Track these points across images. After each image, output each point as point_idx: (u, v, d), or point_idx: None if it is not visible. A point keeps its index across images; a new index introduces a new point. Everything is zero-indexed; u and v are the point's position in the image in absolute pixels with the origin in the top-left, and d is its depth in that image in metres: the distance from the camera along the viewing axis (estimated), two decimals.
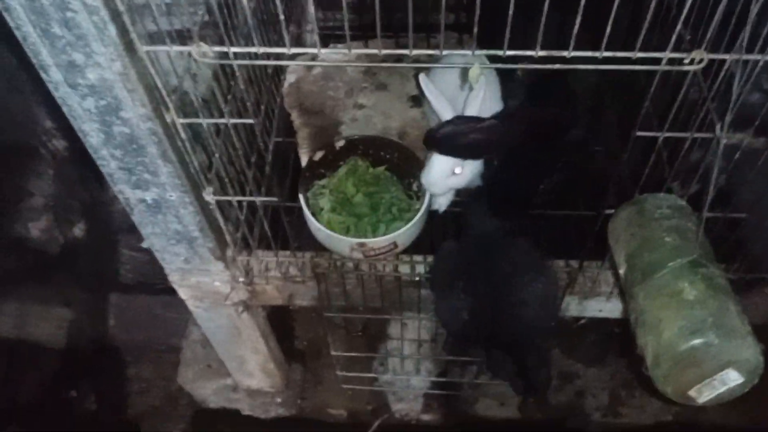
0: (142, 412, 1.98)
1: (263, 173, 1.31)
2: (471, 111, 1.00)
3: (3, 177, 2.35)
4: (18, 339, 2.04)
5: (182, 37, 0.83)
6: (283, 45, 0.75)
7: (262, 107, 1.34)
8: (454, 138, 0.97)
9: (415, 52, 0.75)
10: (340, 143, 1.24)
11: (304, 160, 1.31)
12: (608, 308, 1.21)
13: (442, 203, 1.23)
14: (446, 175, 1.08)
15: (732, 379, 0.72)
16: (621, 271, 0.86)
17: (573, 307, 1.22)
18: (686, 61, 0.73)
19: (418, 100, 1.38)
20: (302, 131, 1.37)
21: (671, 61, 0.74)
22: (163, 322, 1.98)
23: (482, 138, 0.97)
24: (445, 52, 0.76)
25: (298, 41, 1.72)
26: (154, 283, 2.07)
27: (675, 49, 0.73)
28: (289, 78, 1.45)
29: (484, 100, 0.97)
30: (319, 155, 1.23)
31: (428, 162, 1.09)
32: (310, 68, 1.46)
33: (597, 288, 1.16)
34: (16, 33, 0.77)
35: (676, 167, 0.89)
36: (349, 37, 1.50)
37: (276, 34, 1.34)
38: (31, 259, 2.24)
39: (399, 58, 0.86)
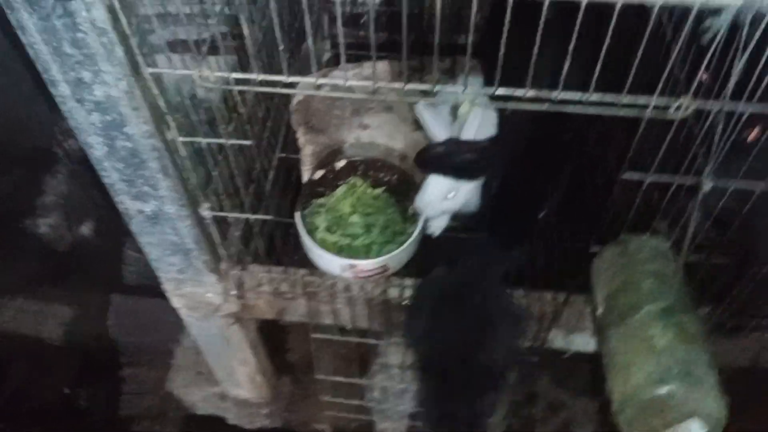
0: (133, 413, 2.00)
1: (264, 189, 1.34)
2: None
3: (18, 174, 2.41)
4: (17, 333, 2.08)
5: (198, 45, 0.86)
6: (295, 65, 0.78)
7: (269, 124, 1.37)
8: (444, 158, 0.99)
9: (408, 86, 0.78)
10: (340, 163, 1.27)
11: (305, 178, 1.34)
12: (595, 343, 1.22)
13: (437, 227, 1.25)
14: (440, 199, 1.10)
15: (695, 429, 0.73)
16: (598, 311, 0.88)
17: (559, 340, 1.24)
18: (672, 108, 0.75)
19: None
20: (306, 149, 1.39)
21: (660, 107, 0.76)
22: (160, 325, 2.00)
23: (473, 158, 0.98)
24: (437, 88, 0.79)
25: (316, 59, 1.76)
26: (156, 286, 2.10)
27: (665, 94, 0.75)
28: (298, 96, 1.48)
29: (479, 128, 0.99)
30: (318, 174, 1.26)
31: (423, 185, 1.12)
32: (318, 86, 1.49)
33: (581, 323, 1.18)
34: (29, 50, 0.80)
35: (663, 209, 0.91)
36: (364, 57, 1.54)
37: (289, 52, 1.38)
38: (38, 256, 2.28)
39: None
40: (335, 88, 0.80)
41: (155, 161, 0.95)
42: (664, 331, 0.78)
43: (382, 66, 1.47)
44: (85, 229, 2.35)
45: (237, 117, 1.08)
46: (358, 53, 1.59)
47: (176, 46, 0.94)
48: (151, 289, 2.11)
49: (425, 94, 0.84)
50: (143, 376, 2.08)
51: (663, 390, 0.73)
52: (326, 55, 1.78)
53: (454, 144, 1.00)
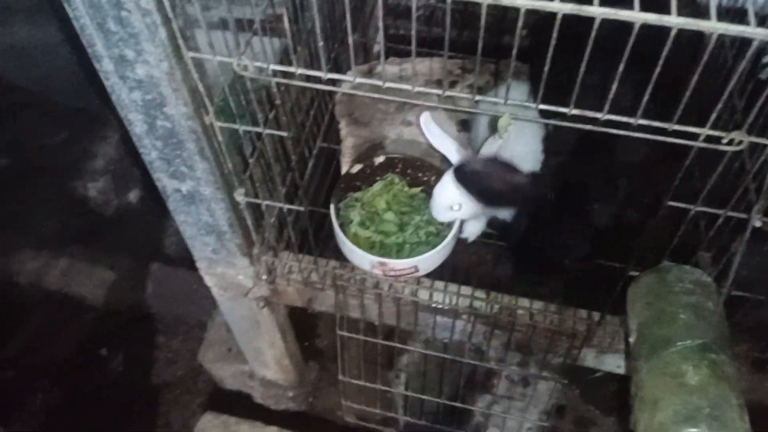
0: (165, 381, 2.05)
1: (303, 176, 1.33)
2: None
3: (72, 137, 2.48)
4: (61, 293, 2.15)
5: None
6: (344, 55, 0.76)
7: (312, 112, 1.36)
8: (480, 179, 0.96)
9: (448, 93, 0.75)
10: (379, 159, 1.25)
11: (344, 170, 1.32)
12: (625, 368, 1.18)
13: (471, 233, 1.22)
14: (446, 209, 1.10)
15: None
16: (631, 339, 0.84)
17: (590, 359, 1.20)
18: (724, 141, 0.70)
19: (467, 124, 1.37)
20: (347, 141, 1.38)
21: (711, 138, 0.72)
22: (196, 297, 2.03)
23: (505, 191, 0.95)
24: (478, 98, 0.76)
25: (364, 51, 1.74)
26: (194, 258, 2.14)
27: (717, 127, 0.71)
28: (345, 86, 1.46)
29: (514, 148, 0.96)
30: (356, 168, 1.24)
31: (432, 196, 1.13)
32: (366, 77, 1.47)
33: (616, 344, 1.13)
34: (74, 23, 0.80)
35: (707, 239, 0.86)
36: (415, 53, 1.52)
37: (338, 42, 1.36)
38: (86, 219, 2.35)
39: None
40: (373, 88, 0.77)
41: (193, 143, 0.95)
42: (697, 369, 0.73)
43: (432, 63, 1.44)
44: (132, 196, 2.40)
45: (279, 105, 1.07)
46: (408, 48, 1.56)
47: (223, 24, 0.93)
48: (190, 261, 2.16)
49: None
50: (177, 346, 2.13)
51: (690, 429, 0.69)
52: (377, 47, 1.75)
53: (494, 167, 0.97)
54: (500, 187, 0.95)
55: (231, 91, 0.88)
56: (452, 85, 1.47)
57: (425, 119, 1.07)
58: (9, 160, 2.41)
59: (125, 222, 2.37)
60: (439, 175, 1.22)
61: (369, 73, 1.45)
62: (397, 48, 1.62)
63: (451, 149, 1.08)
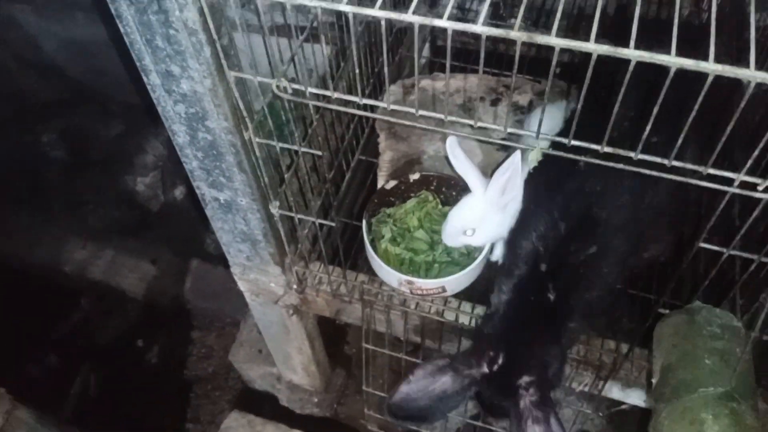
0: (197, 376, 2.10)
1: (338, 189, 1.35)
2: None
3: (126, 132, 2.56)
4: (105, 284, 2.23)
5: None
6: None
7: (352, 125, 1.38)
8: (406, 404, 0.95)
9: (480, 125, 0.75)
10: (414, 176, 1.26)
11: (380, 183, 1.34)
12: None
13: (500, 255, 1.22)
14: (458, 234, 1.11)
15: None
16: (653, 380, 0.83)
17: (615, 391, 1.18)
18: (760, 188, 0.68)
19: (507, 147, 1.36)
20: (386, 155, 1.39)
21: (745, 185, 0.70)
22: (232, 296, 2.05)
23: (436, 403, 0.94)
24: (510, 130, 0.76)
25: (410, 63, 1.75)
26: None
27: (752, 173, 0.69)
28: (378, 111, 1.48)
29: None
30: (391, 184, 1.25)
31: (447, 217, 1.14)
32: (408, 92, 1.49)
33: (641, 379, 1.11)
34: (125, 38, 0.84)
35: (740, 283, 0.84)
36: (452, 68, 1.52)
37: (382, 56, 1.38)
38: (133, 213, 2.43)
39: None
40: (405, 116, 0.78)
41: (232, 156, 0.98)
42: (716, 419, 0.72)
43: (475, 80, 1.44)
44: (178, 193, 2.47)
45: (315, 126, 1.09)
46: (453, 63, 1.57)
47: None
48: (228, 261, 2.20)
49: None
50: (210, 343, 2.18)
51: None
52: (422, 62, 1.76)
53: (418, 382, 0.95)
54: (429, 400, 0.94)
55: (270, 109, 0.91)
56: (495, 102, 1.47)
57: (451, 143, 1.07)
58: (65, 152, 2.50)
59: (170, 218, 2.44)
60: None
61: (411, 88, 1.46)
62: (443, 61, 1.62)
63: (472, 176, 1.08)
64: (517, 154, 0.93)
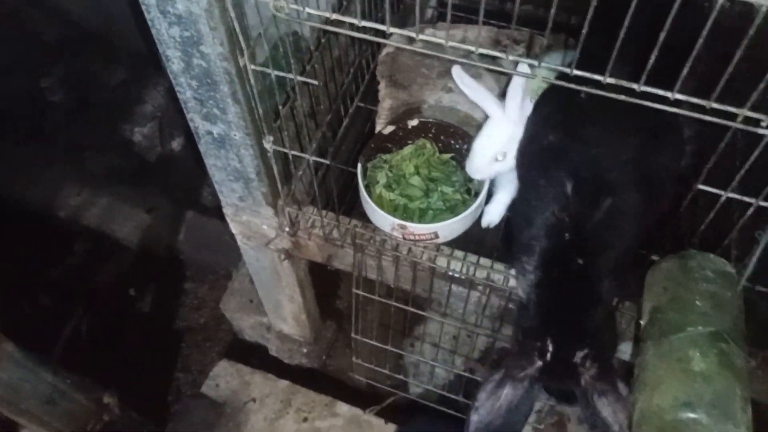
0: (188, 326, 2.10)
1: (336, 134, 1.33)
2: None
3: (128, 80, 2.53)
4: (100, 231, 2.22)
5: None
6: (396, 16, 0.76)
7: (351, 70, 1.36)
8: None
9: (512, 58, 0.74)
10: (413, 122, 1.24)
11: (378, 131, 1.32)
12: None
13: (493, 218, 1.21)
14: (489, 162, 1.09)
15: None
16: (642, 322, 0.82)
17: None
18: (764, 124, 0.67)
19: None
20: (385, 102, 1.37)
21: (749, 120, 0.69)
22: (227, 248, 2.06)
23: None
24: (511, 58, 0.74)
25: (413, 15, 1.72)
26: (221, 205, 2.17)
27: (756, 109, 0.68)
28: (388, 47, 1.45)
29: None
30: (389, 130, 1.23)
31: (471, 151, 1.11)
32: (410, 42, 1.46)
33: (630, 332, 1.11)
34: None
35: (738, 227, 0.83)
36: (458, 19, 1.49)
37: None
38: (130, 161, 2.41)
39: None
40: (428, 45, 0.76)
41: (226, 85, 0.96)
42: (704, 356, 0.71)
43: (482, 31, 1.41)
44: (175, 144, 2.45)
45: (313, 50, 1.06)
46: (459, 14, 1.54)
47: None
48: (223, 212, 2.19)
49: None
50: (203, 294, 2.18)
51: (688, 415, 0.68)
52: (429, 12, 1.73)
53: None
54: None
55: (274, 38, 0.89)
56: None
57: (458, 72, 1.05)
58: (64, 95, 2.47)
59: (167, 169, 2.42)
60: (472, 142, 1.21)
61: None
62: (452, 14, 1.60)
63: (488, 101, 1.07)
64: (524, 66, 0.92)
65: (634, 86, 0.70)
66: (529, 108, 1.03)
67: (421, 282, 1.23)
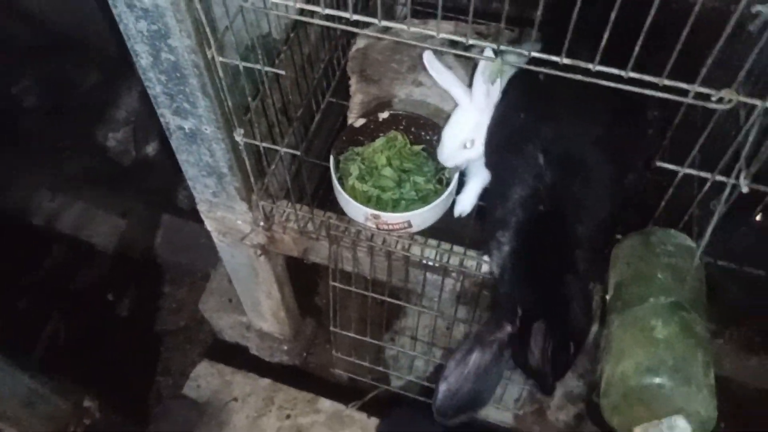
0: (167, 329, 2.09)
1: (308, 129, 1.34)
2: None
3: (102, 83, 2.51)
4: (75, 236, 2.20)
5: None
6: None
7: (322, 65, 1.37)
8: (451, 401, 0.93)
9: (471, 41, 0.76)
10: (384, 115, 1.26)
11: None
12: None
13: (465, 207, 1.22)
14: (458, 149, 1.11)
15: (680, 426, 0.70)
16: (607, 296, 0.84)
17: None
18: (714, 98, 0.69)
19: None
20: (356, 97, 1.39)
21: (701, 97, 0.71)
22: (204, 250, 2.06)
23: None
24: (471, 41, 0.76)
25: (389, 13, 1.74)
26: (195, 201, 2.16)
27: (706, 84, 0.70)
28: (359, 43, 1.47)
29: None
30: (360, 123, 1.25)
31: (441, 140, 1.13)
32: (379, 39, 1.48)
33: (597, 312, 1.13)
34: None
35: (696, 202, 0.86)
36: (430, 15, 1.51)
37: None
38: (104, 166, 2.39)
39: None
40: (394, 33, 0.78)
41: (195, 78, 0.97)
42: (666, 325, 0.74)
43: (446, 26, 1.44)
44: (150, 149, 2.44)
45: (280, 41, 1.07)
46: (427, 11, 1.57)
47: None
48: (200, 214, 2.18)
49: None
50: (181, 296, 2.17)
51: (652, 380, 0.70)
52: (399, 9, 1.74)
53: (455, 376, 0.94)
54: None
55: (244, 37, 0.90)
56: (467, 49, 1.47)
57: (428, 57, 1.07)
58: (37, 99, 2.45)
59: (141, 173, 2.41)
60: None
61: (385, 31, 1.45)
62: (417, 10, 1.63)
63: (456, 87, 1.09)
64: (489, 51, 0.94)
65: (590, 66, 0.72)
66: (495, 95, 1.05)
67: (397, 272, 1.24)
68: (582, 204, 0.92)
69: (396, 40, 1.46)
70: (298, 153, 1.06)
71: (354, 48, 1.46)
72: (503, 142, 1.04)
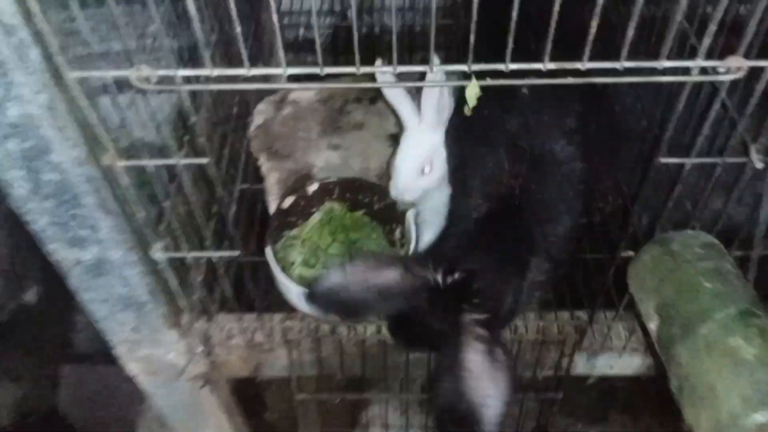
0: None
1: (225, 226, 1.16)
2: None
3: None
4: None
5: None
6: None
7: (225, 151, 1.21)
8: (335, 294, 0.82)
9: (401, 69, 0.63)
10: (312, 187, 1.12)
11: (272, 209, 1.17)
12: (621, 364, 1.08)
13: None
14: (416, 177, 0.99)
15: None
16: (652, 326, 0.73)
17: (581, 365, 1.09)
18: (721, 69, 0.62)
19: (398, 138, 1.27)
20: (271, 177, 1.24)
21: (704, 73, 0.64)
22: (120, 394, 1.80)
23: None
24: (437, 66, 0.65)
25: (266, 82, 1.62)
26: (111, 351, 1.91)
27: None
28: (257, 120, 1.33)
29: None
30: (288, 202, 1.10)
31: (394, 169, 1.01)
32: (279, 108, 1.35)
33: (608, 343, 1.03)
34: None
35: (708, 194, 0.78)
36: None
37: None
38: None
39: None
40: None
41: (91, 195, 0.78)
42: (748, 340, 0.63)
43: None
44: (30, 295, 2.13)
45: (189, 140, 0.91)
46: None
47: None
48: (107, 355, 1.90)
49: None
50: None
51: None
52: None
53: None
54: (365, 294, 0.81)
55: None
56: (374, 101, 1.38)
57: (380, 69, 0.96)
58: None
59: (25, 326, 2.09)
60: (382, 193, 1.10)
61: (282, 102, 1.32)
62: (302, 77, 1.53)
63: (407, 109, 0.99)
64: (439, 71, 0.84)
65: (539, 66, 0.63)
66: (446, 112, 0.97)
67: (372, 360, 1.07)
68: (546, 194, 0.87)
69: (295, 108, 1.35)
70: (236, 253, 0.88)
71: (253, 126, 1.31)
72: (468, 136, 0.97)
